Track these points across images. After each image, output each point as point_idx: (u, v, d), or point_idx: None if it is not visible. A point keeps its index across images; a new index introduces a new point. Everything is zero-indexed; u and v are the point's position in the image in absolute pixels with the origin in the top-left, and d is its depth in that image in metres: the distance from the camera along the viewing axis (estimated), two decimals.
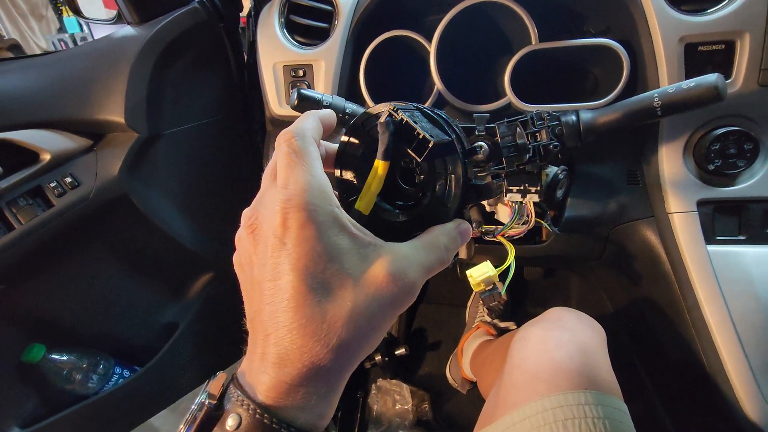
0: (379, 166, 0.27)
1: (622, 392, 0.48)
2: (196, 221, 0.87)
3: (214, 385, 0.25)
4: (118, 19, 0.82)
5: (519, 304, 1.22)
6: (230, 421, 0.23)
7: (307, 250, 0.23)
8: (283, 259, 0.23)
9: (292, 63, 0.66)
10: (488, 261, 0.54)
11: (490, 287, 0.54)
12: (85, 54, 0.71)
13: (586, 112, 0.51)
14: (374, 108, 0.28)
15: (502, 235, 0.59)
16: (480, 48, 0.67)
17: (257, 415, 0.22)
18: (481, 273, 0.52)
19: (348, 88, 0.67)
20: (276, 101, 0.68)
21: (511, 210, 0.58)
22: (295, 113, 0.64)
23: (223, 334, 1.03)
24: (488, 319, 1.10)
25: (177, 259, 0.86)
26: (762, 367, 0.52)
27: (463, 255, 0.84)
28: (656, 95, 0.45)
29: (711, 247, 0.57)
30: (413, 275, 0.24)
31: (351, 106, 0.54)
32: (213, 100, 0.86)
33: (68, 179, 0.67)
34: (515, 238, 0.60)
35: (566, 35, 0.61)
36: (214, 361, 1.01)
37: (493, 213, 0.65)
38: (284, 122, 0.72)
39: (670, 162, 0.59)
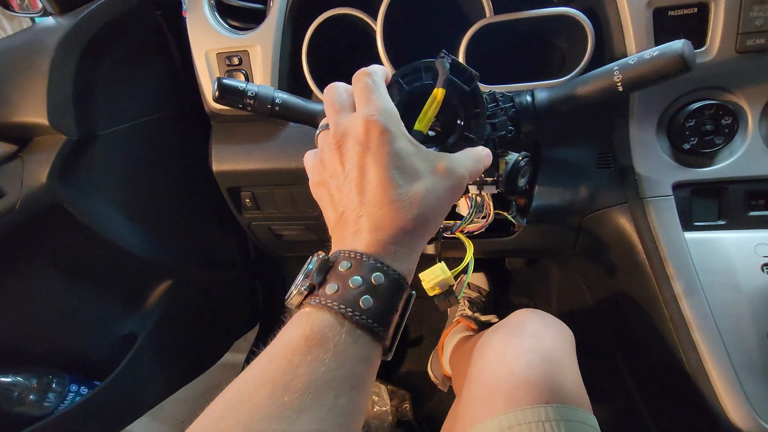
0: (438, 93, 0.35)
1: (603, 387, 0.44)
2: (148, 227, 0.81)
3: (319, 254, 0.31)
4: (46, 11, 0.75)
5: (502, 295, 1.18)
6: (341, 267, 0.29)
7: (387, 150, 0.31)
8: (369, 159, 0.31)
9: (226, 50, 0.60)
10: (442, 263, 0.48)
11: (446, 290, 0.48)
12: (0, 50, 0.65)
13: (542, 92, 0.45)
14: (413, 64, 0.38)
15: (461, 231, 0.54)
16: (432, 25, 0.61)
17: (363, 259, 0.29)
18: (433, 276, 0.47)
19: (289, 74, 0.61)
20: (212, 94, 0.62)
21: (468, 203, 0.52)
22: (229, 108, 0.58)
23: (189, 342, 0.98)
24: (469, 313, 1.06)
25: (128, 267, 0.81)
26: (745, 365, 0.47)
27: (430, 251, 0.79)
28: (616, 68, 0.39)
29: (688, 234, 0.52)
30: (462, 171, 0.34)
31: (281, 95, 0.48)
32: (156, 95, 0.79)
33: None
34: (476, 233, 0.55)
35: (527, 6, 0.55)
36: (180, 371, 0.96)
37: (453, 206, 0.59)
38: (225, 117, 0.66)
39: (642, 142, 0.53)
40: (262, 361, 0.27)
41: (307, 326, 0.27)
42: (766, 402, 0.46)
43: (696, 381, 0.50)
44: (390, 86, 0.37)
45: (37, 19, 0.86)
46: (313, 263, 0.30)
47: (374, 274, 0.29)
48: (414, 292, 0.33)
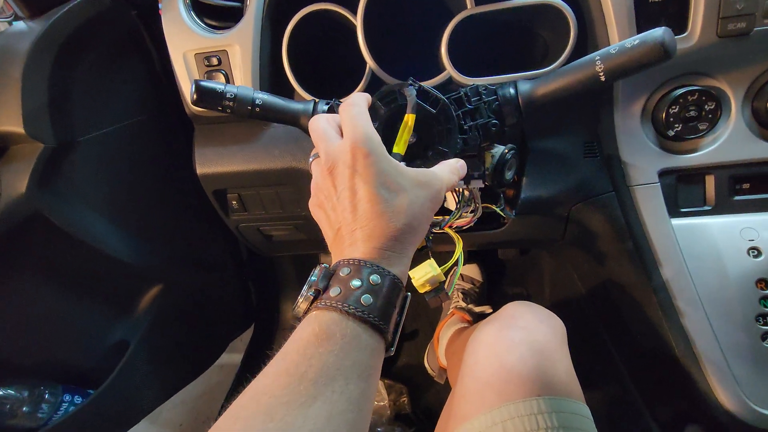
0: (409, 118, 0.40)
1: (596, 375, 0.44)
2: (134, 232, 0.80)
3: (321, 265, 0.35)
4: (17, 15, 0.72)
5: (495, 285, 1.18)
6: (342, 272, 0.33)
7: (372, 171, 0.34)
8: (358, 179, 0.35)
9: (204, 50, 0.58)
10: (432, 260, 0.48)
11: (436, 287, 0.48)
12: None
13: (525, 83, 0.44)
14: (387, 87, 0.44)
15: (450, 226, 0.54)
16: (414, 18, 0.60)
17: (361, 264, 0.33)
18: (423, 274, 0.47)
19: (270, 73, 0.60)
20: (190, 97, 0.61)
21: (456, 198, 0.52)
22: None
23: (183, 346, 0.97)
24: (463, 304, 1.06)
25: (116, 274, 0.80)
26: (733, 349, 0.48)
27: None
28: (598, 58, 0.39)
29: (675, 221, 0.52)
30: (438, 184, 0.38)
31: (261, 96, 0.47)
32: (137, 98, 0.77)
33: None
34: (464, 228, 0.55)
35: None
36: (176, 375, 0.96)
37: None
38: (207, 119, 0.64)
39: (628, 130, 0.53)
40: (277, 358, 0.30)
41: (315, 325, 0.30)
42: (754, 384, 0.47)
43: (686, 366, 0.51)
44: (371, 108, 0.43)
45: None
46: (315, 274, 0.33)
47: (372, 276, 0.32)
48: (409, 294, 0.36)
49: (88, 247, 0.72)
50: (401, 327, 0.35)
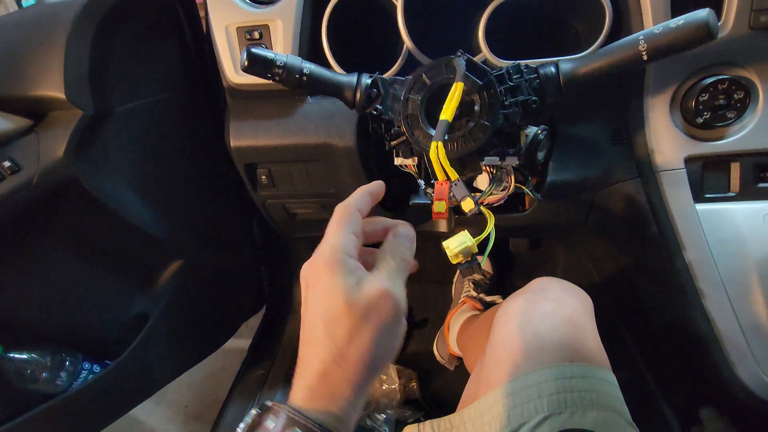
0: (458, 86, 0.41)
1: (610, 360, 0.45)
2: (160, 205, 0.81)
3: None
4: None
5: (505, 277, 1.20)
6: (268, 426, 0.28)
7: (319, 293, 0.30)
8: (310, 308, 0.30)
9: (246, 24, 0.60)
10: (466, 231, 0.50)
11: (469, 259, 0.50)
12: (14, 23, 0.64)
13: (566, 63, 0.46)
14: (436, 60, 0.45)
15: (481, 203, 0.55)
16: (453, 1, 0.62)
17: (289, 418, 0.28)
18: (458, 244, 0.48)
19: (309, 49, 0.61)
20: (232, 68, 0.62)
21: (489, 175, 0.54)
22: (255, 79, 0.59)
23: (198, 323, 0.98)
24: (474, 293, 1.08)
25: (141, 246, 0.81)
26: (753, 329, 0.49)
27: (443, 228, 0.79)
28: (641, 37, 0.41)
29: (700, 206, 0.54)
30: (395, 309, 0.30)
31: (309, 66, 0.48)
32: (171, 72, 0.79)
33: (6, 163, 0.61)
34: (495, 205, 0.57)
35: None
36: (189, 352, 0.97)
37: (471, 179, 0.61)
38: (243, 92, 0.66)
39: (656, 117, 0.55)
40: None
41: None
42: None
43: (706, 346, 0.52)
44: (415, 81, 0.45)
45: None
46: (246, 420, 0.29)
47: None
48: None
49: (117, 216, 0.73)
50: None
